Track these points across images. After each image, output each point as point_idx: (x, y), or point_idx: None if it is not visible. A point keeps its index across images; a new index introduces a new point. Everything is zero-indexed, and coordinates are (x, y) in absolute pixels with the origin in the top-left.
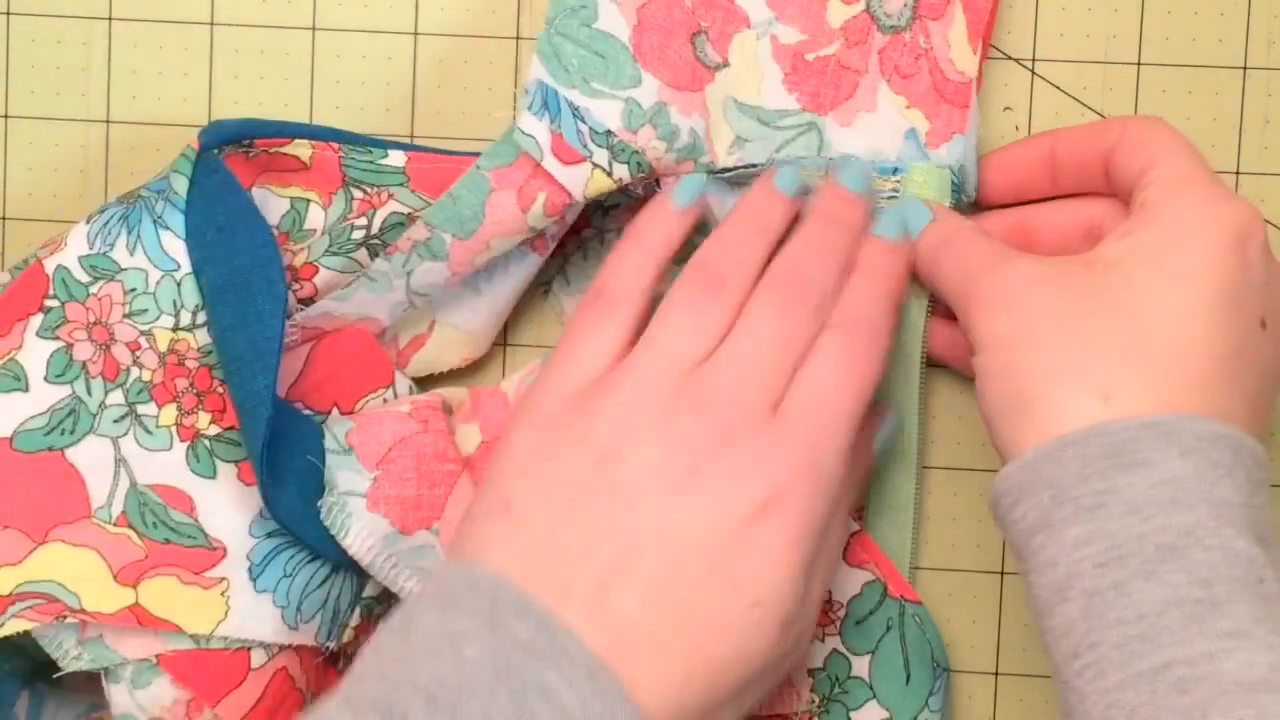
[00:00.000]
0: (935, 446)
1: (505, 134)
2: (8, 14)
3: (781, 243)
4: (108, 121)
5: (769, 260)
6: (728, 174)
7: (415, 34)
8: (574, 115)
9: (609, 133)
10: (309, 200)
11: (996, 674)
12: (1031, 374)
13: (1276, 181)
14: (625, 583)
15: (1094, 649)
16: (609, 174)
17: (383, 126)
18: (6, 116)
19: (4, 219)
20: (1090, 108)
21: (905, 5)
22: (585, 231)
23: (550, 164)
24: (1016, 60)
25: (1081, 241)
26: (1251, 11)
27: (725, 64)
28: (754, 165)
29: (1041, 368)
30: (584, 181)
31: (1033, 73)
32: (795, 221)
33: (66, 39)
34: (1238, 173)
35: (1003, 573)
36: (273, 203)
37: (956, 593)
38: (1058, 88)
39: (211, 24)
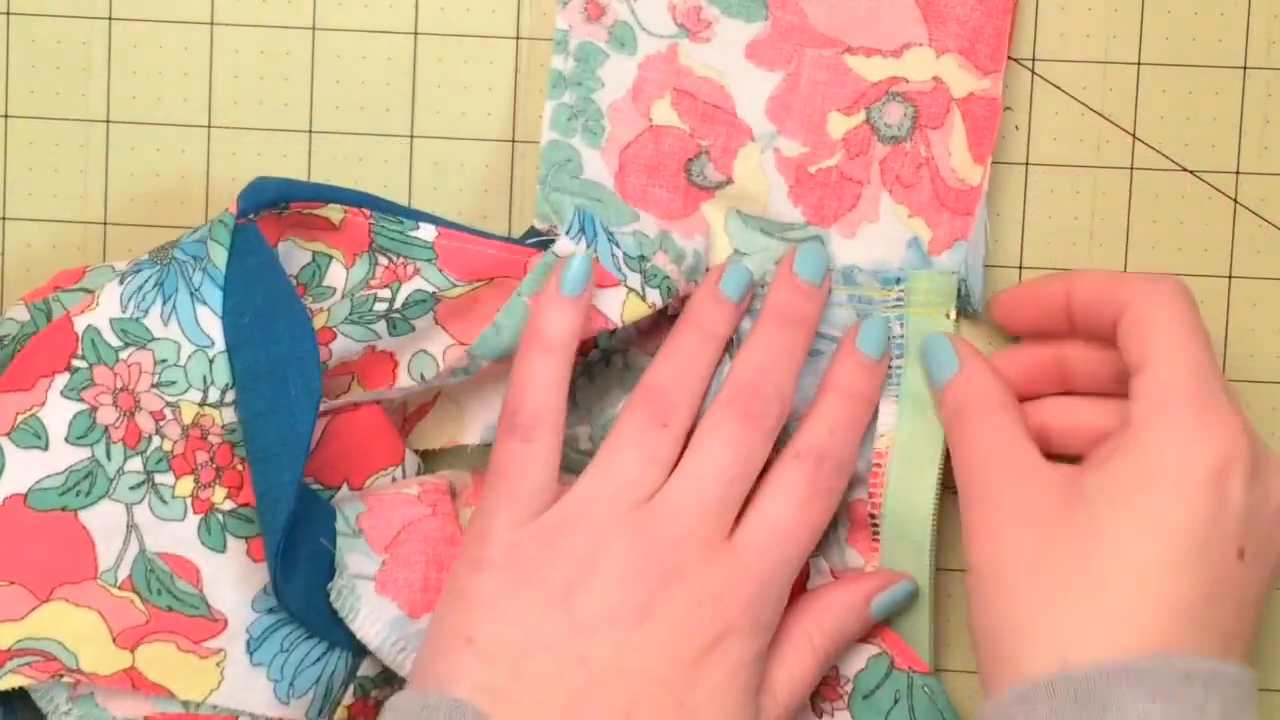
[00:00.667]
0: None
1: (543, 259)
2: (8, 14)
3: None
4: (108, 121)
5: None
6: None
7: (415, 34)
8: (609, 240)
9: (642, 257)
10: (331, 256)
11: None
12: (1001, 618)
13: (1276, 181)
14: (589, 711)
15: None
16: (643, 298)
17: (383, 126)
18: (6, 116)
19: (4, 219)
20: (1090, 108)
21: (905, 115)
22: (591, 354)
23: None
24: (1016, 60)
25: (1115, 383)
26: (1251, 11)
27: (729, 180)
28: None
29: (1007, 617)
30: (620, 305)
31: (1033, 73)
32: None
33: (66, 39)
34: (1238, 173)
35: None
36: (295, 254)
37: (957, 592)
38: (1058, 88)
39: (211, 24)
